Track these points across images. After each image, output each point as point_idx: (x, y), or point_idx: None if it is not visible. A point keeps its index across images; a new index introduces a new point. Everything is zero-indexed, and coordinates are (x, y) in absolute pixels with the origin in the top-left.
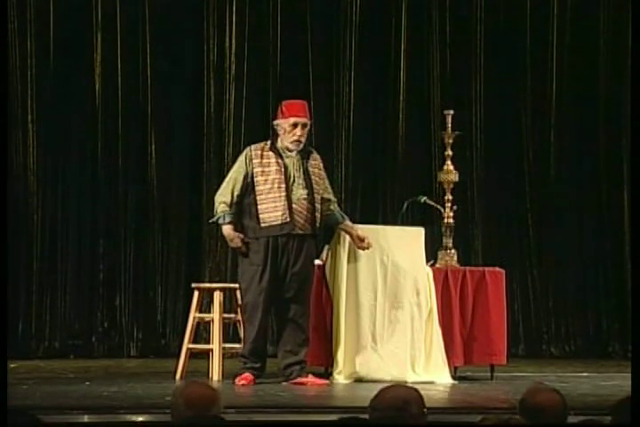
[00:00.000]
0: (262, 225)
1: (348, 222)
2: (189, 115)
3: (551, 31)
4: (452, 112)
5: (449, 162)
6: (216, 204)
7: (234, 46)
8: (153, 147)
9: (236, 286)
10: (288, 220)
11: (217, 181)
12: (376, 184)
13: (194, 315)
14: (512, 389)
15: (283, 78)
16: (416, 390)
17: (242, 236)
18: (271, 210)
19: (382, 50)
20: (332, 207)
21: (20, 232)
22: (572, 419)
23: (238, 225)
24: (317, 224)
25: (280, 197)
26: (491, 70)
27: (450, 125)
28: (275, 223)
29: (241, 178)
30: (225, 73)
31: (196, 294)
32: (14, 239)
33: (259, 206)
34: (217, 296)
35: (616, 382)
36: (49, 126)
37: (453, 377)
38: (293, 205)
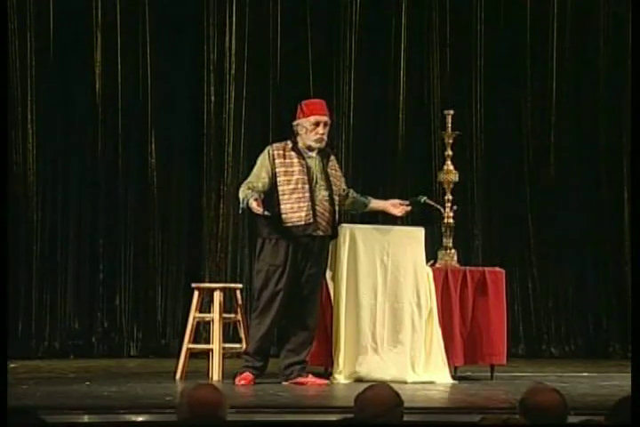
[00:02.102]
0: (285, 225)
1: (372, 199)
2: (189, 114)
3: (551, 31)
4: (452, 112)
5: (449, 162)
6: (240, 195)
7: (234, 46)
8: (153, 146)
9: (237, 285)
10: (311, 220)
11: (217, 181)
12: (376, 184)
13: (194, 315)
14: (512, 389)
15: (282, 78)
16: (389, 386)
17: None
18: (295, 210)
19: (382, 50)
20: (351, 194)
21: (20, 232)
22: (572, 419)
23: (260, 223)
24: (336, 226)
25: (304, 197)
26: (491, 70)
27: (450, 125)
28: (298, 224)
29: (264, 174)
30: (225, 73)
31: (195, 294)
32: (14, 239)
33: (281, 206)
34: (217, 296)
35: (616, 382)
36: (49, 126)
37: (453, 377)
38: (316, 207)
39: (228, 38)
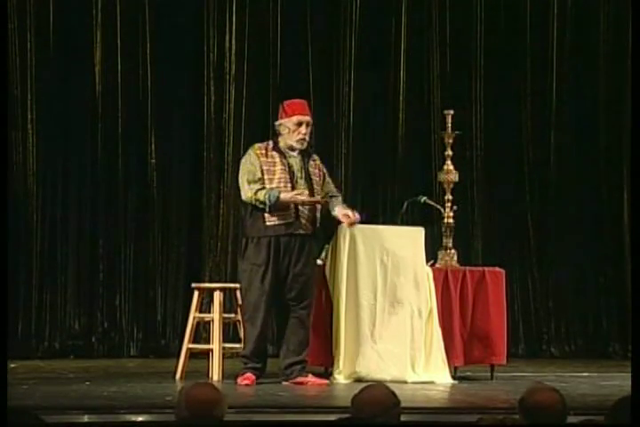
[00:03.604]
0: (268, 224)
1: (337, 208)
2: (189, 115)
3: (551, 31)
4: (452, 112)
5: (449, 162)
6: (251, 197)
7: (234, 46)
8: (153, 147)
9: (237, 285)
10: (293, 219)
11: (217, 181)
12: (376, 184)
13: (194, 315)
14: (512, 389)
15: (283, 78)
16: (385, 386)
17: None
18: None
19: (382, 50)
20: (335, 199)
21: (20, 232)
22: (571, 419)
23: (244, 222)
24: (318, 224)
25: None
26: (491, 70)
27: (450, 125)
28: (280, 222)
29: (258, 173)
30: (225, 73)
31: (195, 294)
32: (14, 239)
33: None
34: (217, 296)
35: (616, 382)
36: (49, 126)
37: (453, 377)
38: (298, 205)
39: (227, 38)
